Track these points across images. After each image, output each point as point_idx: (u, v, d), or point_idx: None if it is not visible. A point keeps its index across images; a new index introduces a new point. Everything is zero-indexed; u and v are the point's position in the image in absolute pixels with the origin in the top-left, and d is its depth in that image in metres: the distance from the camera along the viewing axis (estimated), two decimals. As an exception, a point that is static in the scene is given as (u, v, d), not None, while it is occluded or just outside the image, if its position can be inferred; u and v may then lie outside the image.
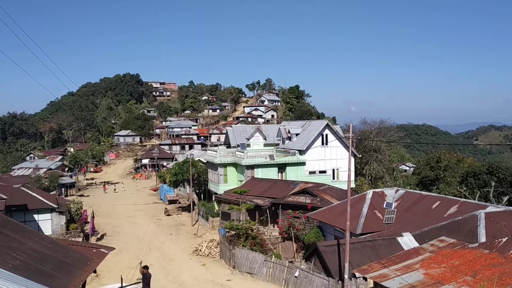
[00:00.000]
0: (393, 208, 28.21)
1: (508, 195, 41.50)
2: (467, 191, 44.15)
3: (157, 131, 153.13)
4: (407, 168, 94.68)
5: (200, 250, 34.50)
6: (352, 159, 41.15)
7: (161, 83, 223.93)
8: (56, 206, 39.31)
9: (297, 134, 53.45)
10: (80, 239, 35.99)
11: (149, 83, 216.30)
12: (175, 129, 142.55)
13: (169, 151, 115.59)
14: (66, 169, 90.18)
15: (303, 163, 49.20)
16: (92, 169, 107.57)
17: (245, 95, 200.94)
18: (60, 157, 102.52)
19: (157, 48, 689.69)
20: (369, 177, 60.32)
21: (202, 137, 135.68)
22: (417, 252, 18.71)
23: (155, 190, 73.16)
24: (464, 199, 28.81)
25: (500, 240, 17.38)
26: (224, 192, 45.15)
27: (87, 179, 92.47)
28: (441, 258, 17.19)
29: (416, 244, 21.69)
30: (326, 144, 50.39)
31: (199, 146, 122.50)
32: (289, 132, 54.32)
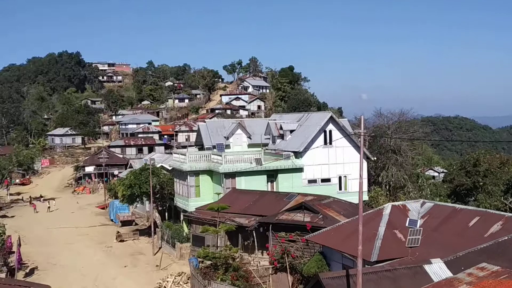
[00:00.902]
0: (418, 226, 28.28)
1: None
2: (514, 203, 44.62)
3: (106, 128, 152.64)
4: (436, 174, 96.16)
5: (165, 287, 34.31)
6: (365, 163, 42.17)
7: (110, 65, 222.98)
8: (-31, 232, 38.71)
9: (291, 131, 53.65)
10: (2, 275, 35.45)
11: (94, 65, 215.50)
12: (130, 126, 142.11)
13: (121, 155, 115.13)
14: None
15: (300, 169, 49.45)
16: (18, 180, 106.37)
17: (222, 79, 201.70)
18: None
19: (104, 20, 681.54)
20: (387, 187, 60.32)
21: (165, 136, 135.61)
22: (450, 284, 18.82)
23: (103, 208, 72.88)
24: (510, 214, 28.58)
25: (558, 266, 17.60)
26: (196, 209, 45.23)
27: (11, 194, 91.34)
28: (482, 291, 17.33)
29: (449, 274, 21.73)
30: (330, 143, 50.72)
31: (162, 148, 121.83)
32: (281, 128, 54.33)
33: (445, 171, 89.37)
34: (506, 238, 23.26)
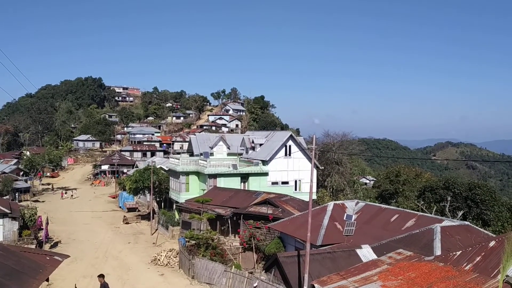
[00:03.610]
0: (353, 220, 28.35)
1: (463, 209, 42.76)
2: (425, 205, 45.23)
3: (118, 137, 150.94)
4: (368, 181, 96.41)
5: (159, 259, 33.98)
6: (314, 171, 41.40)
7: (124, 88, 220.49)
8: (8, 211, 37.98)
9: (260, 144, 53.49)
10: (33, 246, 34.81)
11: (111, 88, 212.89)
12: (137, 136, 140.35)
13: (130, 158, 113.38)
14: (21, 173, 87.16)
15: (266, 174, 49.20)
16: (48, 174, 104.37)
17: (210, 103, 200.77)
18: (15, 160, 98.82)
19: (121, 52, 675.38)
20: (331, 189, 60.69)
21: (164, 145, 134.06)
22: (375, 264, 18.98)
23: (114, 197, 71.76)
24: (421, 213, 29.28)
25: (454, 253, 17.85)
26: (186, 200, 44.58)
27: (43, 184, 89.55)
28: (398, 270, 17.52)
29: (374, 256, 21.97)
30: (289, 155, 50.56)
31: (161, 153, 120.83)
32: (253, 142, 54.35)
33: (374, 179, 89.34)
34: (418, 231, 23.63)
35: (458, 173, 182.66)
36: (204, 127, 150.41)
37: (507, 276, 4.05)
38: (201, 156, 50.78)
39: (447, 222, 24.51)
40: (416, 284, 15.92)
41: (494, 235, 24.12)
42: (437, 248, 20.96)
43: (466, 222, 26.71)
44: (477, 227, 26.22)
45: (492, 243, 17.42)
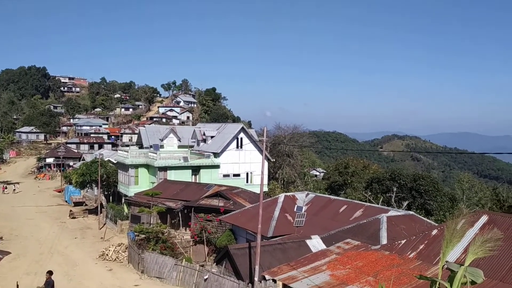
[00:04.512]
0: (303, 211, 28.95)
1: (408, 200, 44.38)
2: (372, 195, 46.52)
3: (64, 128, 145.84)
4: (318, 173, 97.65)
5: (107, 254, 33.23)
6: (266, 163, 42.39)
7: (70, 78, 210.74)
8: None
9: (212, 137, 53.49)
10: (-29, 244, 33.13)
11: (56, 78, 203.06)
12: (84, 127, 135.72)
13: (76, 150, 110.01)
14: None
15: (217, 166, 49.23)
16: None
17: (160, 95, 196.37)
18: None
19: (67, 41, 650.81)
20: (282, 181, 61.33)
21: (113, 137, 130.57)
22: (324, 254, 19.40)
23: (59, 191, 69.57)
24: (368, 204, 30.25)
25: (399, 242, 18.52)
26: (135, 194, 44.06)
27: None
28: (346, 259, 17.99)
29: (323, 246, 22.47)
30: (241, 147, 50.81)
31: (110, 146, 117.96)
32: (204, 134, 54.20)
33: (324, 171, 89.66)
34: (365, 221, 24.37)
35: (403, 164, 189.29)
36: (154, 119, 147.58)
37: (446, 262, 4.24)
38: (151, 149, 50.06)
39: (392, 212, 25.46)
40: (363, 272, 16.38)
41: (436, 224, 25.24)
42: (383, 237, 21.68)
43: (411, 212, 28.03)
44: (420, 217, 27.39)
45: (434, 232, 18.18)
